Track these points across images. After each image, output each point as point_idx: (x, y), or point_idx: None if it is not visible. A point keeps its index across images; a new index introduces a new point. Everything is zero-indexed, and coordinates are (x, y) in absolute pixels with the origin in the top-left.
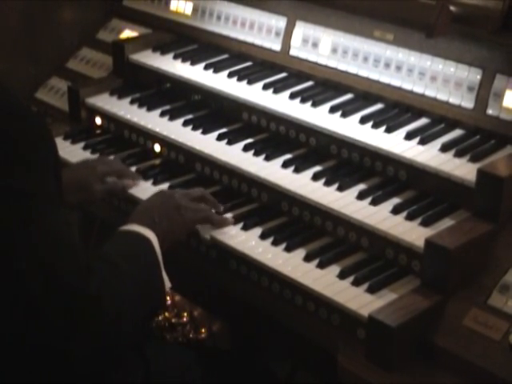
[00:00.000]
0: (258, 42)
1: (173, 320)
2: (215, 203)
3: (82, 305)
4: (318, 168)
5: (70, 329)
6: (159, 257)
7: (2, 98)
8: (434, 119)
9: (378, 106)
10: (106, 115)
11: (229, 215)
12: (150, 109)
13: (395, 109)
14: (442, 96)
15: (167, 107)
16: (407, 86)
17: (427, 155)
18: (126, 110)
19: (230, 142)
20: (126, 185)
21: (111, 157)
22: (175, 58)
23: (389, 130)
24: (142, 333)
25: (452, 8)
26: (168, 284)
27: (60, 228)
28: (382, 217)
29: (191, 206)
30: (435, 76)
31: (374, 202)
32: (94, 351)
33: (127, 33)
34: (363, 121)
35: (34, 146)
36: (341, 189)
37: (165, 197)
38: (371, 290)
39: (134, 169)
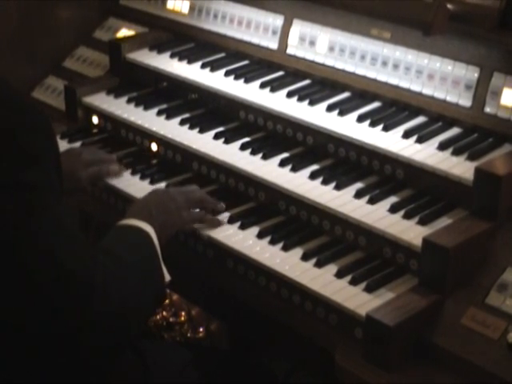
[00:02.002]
0: (254, 40)
1: (171, 319)
2: (215, 204)
3: (90, 293)
4: (315, 167)
5: (76, 318)
6: (158, 250)
7: (6, 93)
8: (431, 117)
9: (376, 105)
10: (102, 114)
11: (226, 214)
12: (146, 108)
13: (392, 107)
14: (439, 94)
15: (164, 106)
16: (404, 84)
17: (425, 154)
18: (123, 109)
19: (226, 141)
20: (110, 170)
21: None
22: (172, 56)
23: (386, 129)
24: (141, 330)
25: (449, 6)
26: (167, 277)
27: (64, 219)
28: (379, 216)
29: (186, 201)
30: (432, 74)
31: (372, 201)
32: (102, 340)
33: (124, 32)
34: (360, 119)
35: (37, 141)
36: (338, 187)
37: (160, 193)
38: (369, 289)
39: (130, 169)
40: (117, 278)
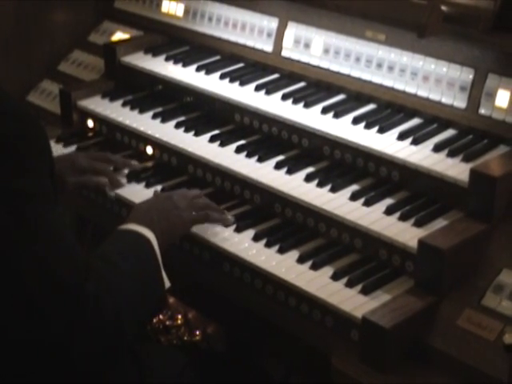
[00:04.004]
0: (249, 43)
1: (167, 322)
2: (219, 210)
3: (81, 304)
4: (310, 169)
5: (69, 328)
6: (158, 256)
7: None
8: (426, 119)
9: (371, 107)
10: (97, 118)
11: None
12: (142, 111)
13: (388, 109)
14: (434, 96)
15: (159, 109)
16: (399, 86)
17: (420, 155)
18: (118, 112)
19: (222, 144)
20: (100, 182)
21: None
22: (167, 59)
23: (381, 131)
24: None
25: (443, 8)
26: (167, 283)
27: (58, 228)
28: (375, 218)
29: (189, 205)
30: (427, 76)
31: (367, 203)
32: (94, 350)
33: (119, 35)
34: (356, 121)
35: (30, 147)
36: (334, 190)
37: (163, 198)
38: (365, 292)
39: (125, 171)
40: (112, 286)
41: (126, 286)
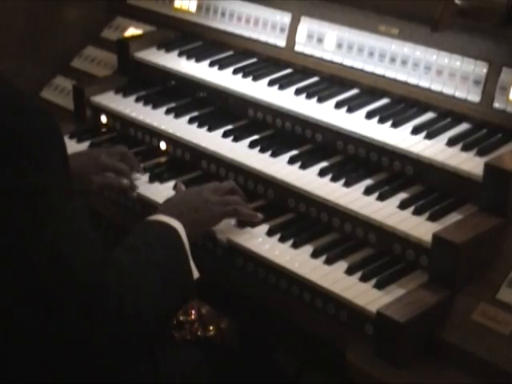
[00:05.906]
0: (262, 38)
1: (181, 318)
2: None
3: (100, 297)
4: (324, 164)
5: (88, 322)
6: (186, 246)
7: (10, 96)
8: (440, 113)
9: (384, 101)
10: (111, 113)
11: None
12: (155, 107)
13: (401, 103)
14: (448, 90)
15: (172, 105)
16: (413, 80)
17: (434, 150)
18: (132, 108)
19: (235, 139)
20: (124, 184)
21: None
22: (180, 55)
23: (395, 125)
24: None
25: (457, 1)
26: (196, 274)
27: (73, 223)
28: (389, 212)
29: (220, 200)
30: (441, 70)
31: (381, 198)
32: (114, 343)
33: (131, 31)
34: (369, 116)
35: (43, 143)
36: (347, 184)
37: (193, 193)
38: (379, 286)
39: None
40: (135, 278)
41: (150, 277)
